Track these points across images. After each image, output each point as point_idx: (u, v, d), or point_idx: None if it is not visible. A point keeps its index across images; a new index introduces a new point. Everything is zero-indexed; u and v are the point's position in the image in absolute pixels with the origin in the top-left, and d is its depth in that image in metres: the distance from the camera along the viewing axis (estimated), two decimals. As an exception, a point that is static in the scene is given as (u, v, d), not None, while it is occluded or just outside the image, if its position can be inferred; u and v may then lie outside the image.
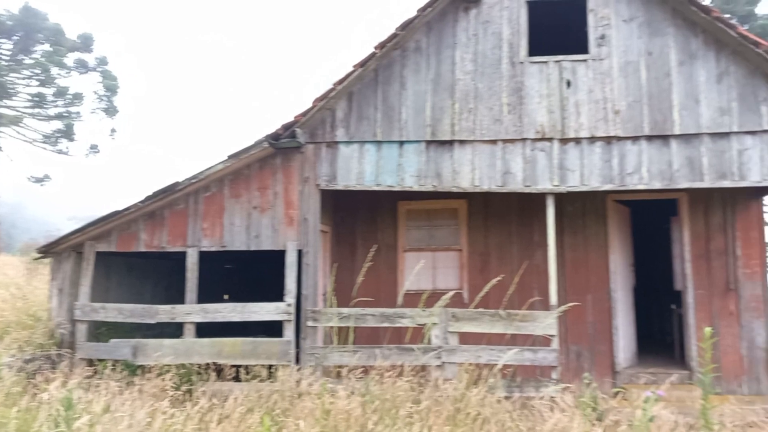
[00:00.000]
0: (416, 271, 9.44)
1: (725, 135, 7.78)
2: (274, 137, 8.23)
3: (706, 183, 7.78)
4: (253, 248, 8.53)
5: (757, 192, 9.27)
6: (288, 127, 8.22)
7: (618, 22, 8.11)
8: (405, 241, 10.07)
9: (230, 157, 8.31)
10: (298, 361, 8.11)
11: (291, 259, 8.40)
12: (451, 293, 9.52)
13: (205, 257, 8.75)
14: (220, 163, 8.37)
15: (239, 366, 7.99)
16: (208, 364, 8.00)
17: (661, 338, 12.29)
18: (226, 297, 13.27)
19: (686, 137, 7.84)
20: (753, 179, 7.71)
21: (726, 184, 7.75)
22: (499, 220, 9.86)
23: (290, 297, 8.30)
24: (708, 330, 4.69)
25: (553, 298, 8.01)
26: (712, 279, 9.25)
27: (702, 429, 4.79)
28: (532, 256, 9.68)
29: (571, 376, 8.88)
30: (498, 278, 9.41)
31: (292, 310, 8.25)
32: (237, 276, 14.75)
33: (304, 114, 8.19)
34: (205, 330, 8.49)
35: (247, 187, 8.61)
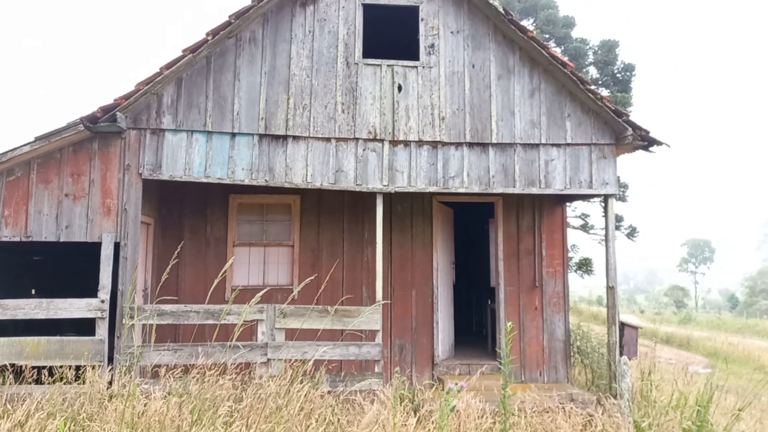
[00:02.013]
0: (246, 266, 9.28)
1: (535, 146, 8.55)
2: (91, 120, 7.59)
3: (518, 189, 8.49)
4: (63, 239, 7.80)
5: (562, 198, 10.32)
6: (107, 110, 7.62)
7: (446, 33, 8.57)
8: (236, 235, 9.83)
9: (38, 138, 7.53)
10: (112, 361, 7.58)
11: (107, 252, 7.82)
12: (281, 288, 9.54)
13: (9, 248, 7.85)
14: (26, 145, 7.54)
15: (43, 368, 7.28)
16: (5, 365, 7.20)
17: (478, 331, 13.25)
18: (33, 292, 12.03)
19: (502, 146, 8.50)
20: (557, 187, 8.55)
21: (534, 191, 8.52)
22: (332, 216, 9.98)
23: (104, 293, 7.72)
24: (509, 324, 5.12)
25: (380, 293, 8.26)
26: (521, 276, 10.15)
27: (501, 415, 5.21)
28: (362, 252, 9.94)
29: (394, 368, 9.27)
30: (329, 274, 9.57)
31: (106, 306, 7.68)
32: (49, 269, 13.44)
33: (126, 97, 7.64)
34: (11, 329, 7.63)
35: (58, 172, 7.85)
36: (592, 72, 22.00)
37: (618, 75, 21.84)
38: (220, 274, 4.95)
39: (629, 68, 21.73)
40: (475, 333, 13.25)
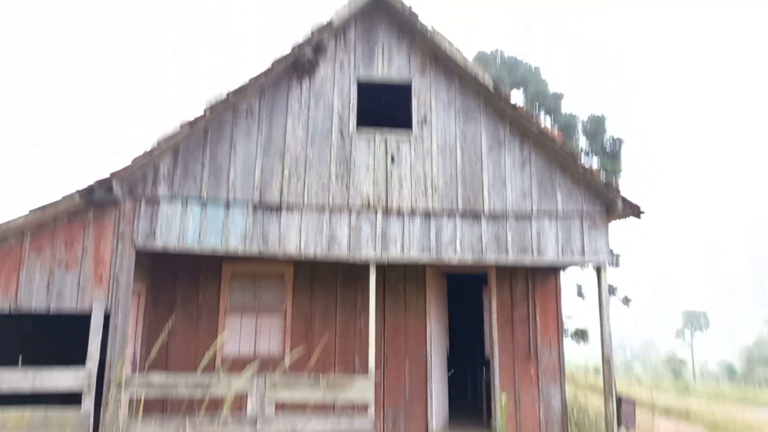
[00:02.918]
0: (238, 334, 9.17)
1: (527, 216, 8.66)
2: (88, 191, 7.67)
3: (511, 258, 8.53)
4: (53, 309, 7.72)
5: (555, 267, 10.36)
6: (104, 183, 7.71)
7: (438, 106, 8.83)
8: (228, 304, 9.76)
9: (33, 211, 7.58)
10: (97, 434, 7.36)
11: (96, 322, 7.72)
12: (273, 358, 9.39)
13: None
14: (20, 218, 7.58)
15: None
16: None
17: (473, 401, 12.97)
18: (20, 361, 11.74)
19: (494, 216, 8.60)
20: (549, 257, 8.60)
21: (527, 260, 8.56)
22: (325, 284, 9.96)
23: (92, 363, 7.58)
24: (503, 395, 5.05)
25: (371, 363, 8.14)
26: (516, 346, 10.05)
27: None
28: (355, 320, 9.87)
29: (388, 442, 9.03)
30: (321, 343, 9.47)
31: (94, 378, 7.52)
32: (37, 337, 13.18)
33: (123, 169, 7.75)
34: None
35: (51, 240, 7.86)
36: (582, 142, 22.53)
37: (607, 147, 22.37)
38: (212, 348, 4.89)
39: (618, 141, 22.28)
40: (470, 403, 12.97)
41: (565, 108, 23.09)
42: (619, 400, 8.33)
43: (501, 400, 4.92)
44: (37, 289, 7.73)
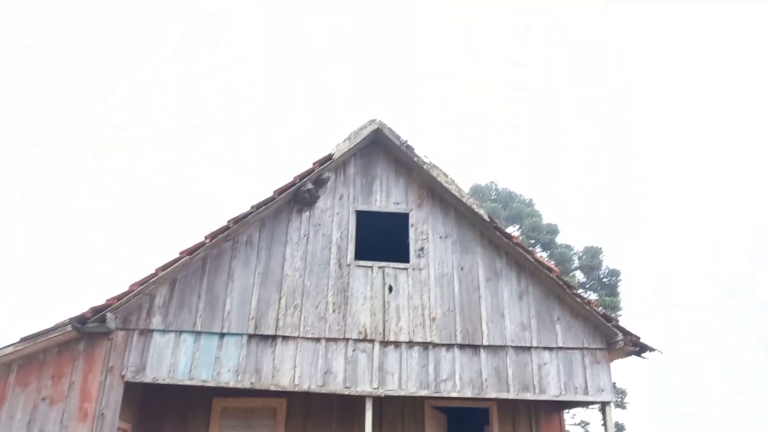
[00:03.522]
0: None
1: (527, 349, 8.47)
2: (80, 320, 7.55)
3: (512, 394, 8.22)
4: (31, 450, 7.31)
5: (558, 404, 9.96)
6: (98, 311, 7.62)
7: (435, 237, 8.96)
8: (216, 442, 9.24)
9: (24, 339, 7.42)
10: None
11: (76, 462, 7.28)
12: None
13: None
14: (10, 346, 7.42)
15: None
16: None
17: None
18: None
19: (493, 348, 8.41)
20: (552, 393, 8.30)
21: (528, 396, 8.25)
22: (320, 421, 9.50)
23: None
24: None
25: None
26: (521, 491, 9.40)
27: None
28: (351, 461, 9.30)
29: None
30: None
31: None
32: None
33: (118, 298, 7.69)
34: None
35: (39, 374, 7.61)
36: (579, 276, 22.61)
37: (604, 279, 22.43)
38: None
39: (614, 273, 22.38)
40: None
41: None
42: None
43: None
44: (17, 427, 7.36)
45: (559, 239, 23.37)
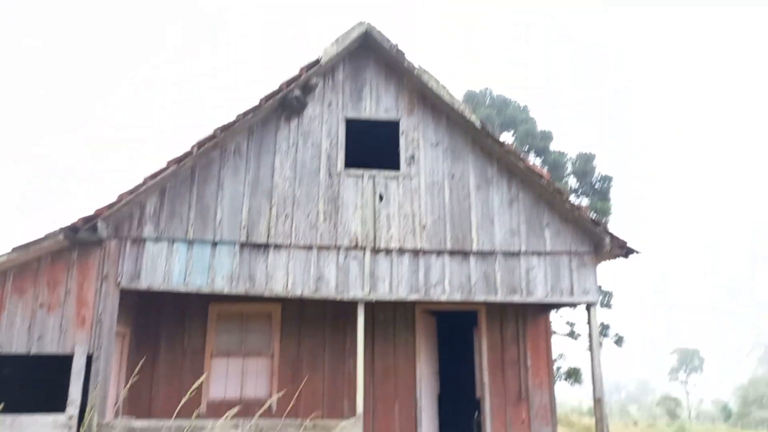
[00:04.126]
0: (224, 378, 8.96)
1: (515, 254, 8.61)
2: (72, 229, 7.58)
3: (500, 297, 8.44)
4: (34, 352, 7.54)
5: (544, 307, 10.26)
6: (89, 220, 7.63)
7: (426, 145, 8.87)
8: (214, 346, 9.57)
9: (16, 249, 7.47)
10: (75, 483, 7.11)
11: (78, 365, 7.53)
12: (260, 401, 9.17)
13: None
14: (3, 255, 7.47)
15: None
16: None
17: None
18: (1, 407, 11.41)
19: (483, 254, 8.55)
20: (538, 296, 8.52)
21: (516, 299, 8.48)
22: (313, 326, 9.80)
23: (73, 408, 7.37)
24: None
25: (360, 407, 7.96)
26: (506, 388, 9.87)
27: None
28: (344, 363, 9.68)
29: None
30: (310, 386, 9.27)
31: (74, 423, 7.30)
32: (18, 380, 12.84)
33: (108, 207, 7.68)
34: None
35: (34, 281, 7.73)
36: (572, 182, 22.67)
37: (596, 185, 22.51)
38: (192, 389, 4.73)
39: (606, 179, 22.43)
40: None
41: (558, 140, 23.26)
42: (613, 443, 8.14)
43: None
44: (18, 331, 7.57)
45: (553, 146, 23.24)
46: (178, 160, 7.91)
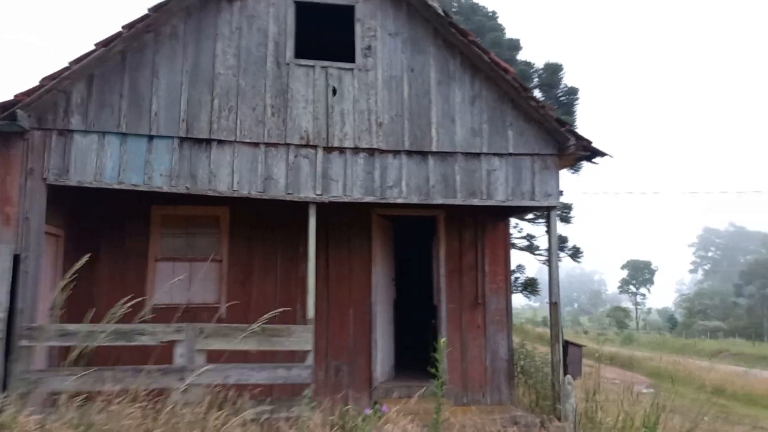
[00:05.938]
0: (169, 282, 8.53)
1: (476, 155, 8.17)
2: (-13, 117, 6.80)
3: (459, 200, 8.07)
4: (-47, 252, 6.93)
5: (505, 212, 9.98)
6: (6, 107, 6.83)
7: (384, 35, 8.15)
8: (158, 250, 9.07)
9: None
10: (6, 388, 6.71)
11: (5, 266, 6.96)
12: (208, 307, 8.83)
13: None
14: None
15: None
16: None
17: (422, 352, 12.70)
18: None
19: (442, 155, 8.08)
20: (499, 198, 8.18)
21: (476, 202, 8.12)
22: (265, 230, 9.35)
23: (1, 310, 6.87)
24: (443, 341, 4.65)
25: (311, 311, 7.67)
26: (463, 293, 9.71)
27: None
28: (298, 268, 9.32)
29: (330, 392, 8.63)
30: (260, 291, 8.93)
31: (3, 326, 6.83)
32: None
33: (28, 93, 6.87)
34: None
35: (-50, 176, 7.00)
36: (537, 95, 22.15)
37: (562, 98, 22.06)
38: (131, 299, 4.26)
39: (572, 91, 21.96)
40: (419, 353, 12.71)
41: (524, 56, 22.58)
42: (566, 345, 8.13)
43: (441, 344, 4.51)
44: (-66, 230, 6.90)
45: (521, 56, 22.53)
46: (106, 43, 7.07)
